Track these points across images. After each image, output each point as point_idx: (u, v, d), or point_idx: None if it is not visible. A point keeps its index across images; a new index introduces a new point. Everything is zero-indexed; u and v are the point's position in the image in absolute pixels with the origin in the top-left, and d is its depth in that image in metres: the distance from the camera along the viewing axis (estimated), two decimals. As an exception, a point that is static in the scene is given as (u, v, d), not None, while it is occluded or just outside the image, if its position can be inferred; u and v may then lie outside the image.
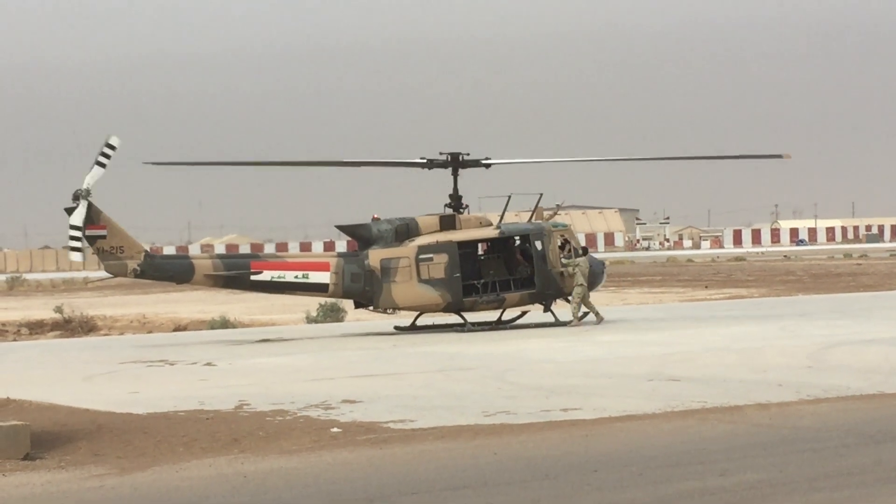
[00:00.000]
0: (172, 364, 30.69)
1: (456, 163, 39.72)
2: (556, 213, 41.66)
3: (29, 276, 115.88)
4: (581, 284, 38.64)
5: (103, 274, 38.63)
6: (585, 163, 48.84)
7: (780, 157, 41.81)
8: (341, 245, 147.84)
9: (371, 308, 39.12)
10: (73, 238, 36.17)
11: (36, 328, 53.59)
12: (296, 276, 37.94)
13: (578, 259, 39.03)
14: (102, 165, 36.02)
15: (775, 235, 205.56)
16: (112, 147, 36.12)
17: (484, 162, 40.10)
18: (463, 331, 38.30)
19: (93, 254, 37.90)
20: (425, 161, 39.80)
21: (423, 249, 38.28)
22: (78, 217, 35.99)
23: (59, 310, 54.61)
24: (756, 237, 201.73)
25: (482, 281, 39.02)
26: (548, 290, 39.26)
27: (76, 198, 35.99)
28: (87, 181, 36.00)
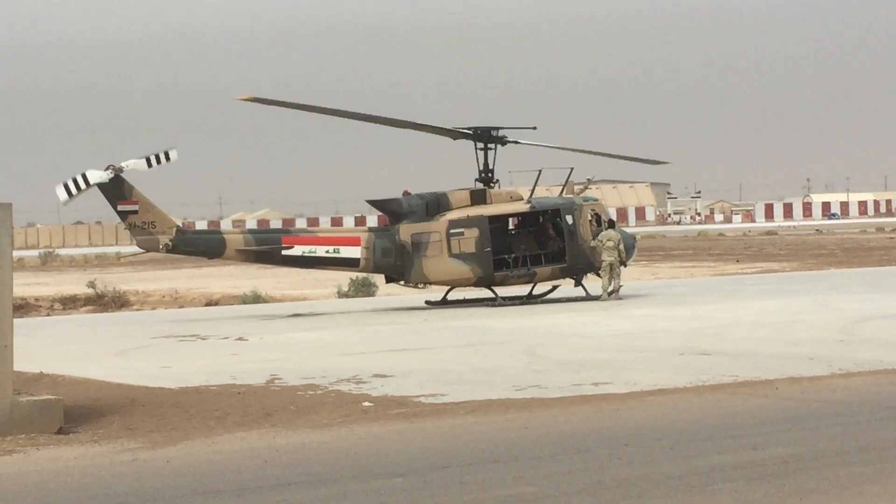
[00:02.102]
0: (204, 339, 30.79)
1: (488, 136, 39.58)
2: (586, 188, 41.59)
3: (62, 252, 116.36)
4: (610, 258, 38.63)
5: (135, 249, 38.77)
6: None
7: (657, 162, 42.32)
8: (372, 220, 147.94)
9: (402, 283, 39.17)
10: (74, 181, 35.99)
11: (69, 303, 53.80)
12: (327, 251, 37.98)
13: (608, 232, 38.95)
14: (149, 164, 36.18)
15: (807, 209, 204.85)
16: (168, 158, 36.27)
17: (508, 140, 39.62)
18: (494, 305, 38.31)
19: (125, 229, 38.02)
20: (460, 131, 39.31)
21: (454, 224, 38.25)
22: (95, 176, 35.97)
23: (91, 285, 54.79)
24: (788, 211, 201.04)
25: (513, 255, 38.99)
26: (578, 264, 39.22)
27: (108, 169, 36.08)
28: (128, 163, 36.10)
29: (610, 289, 38.71)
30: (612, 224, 39.78)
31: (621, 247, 38.77)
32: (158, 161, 36.20)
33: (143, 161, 36.15)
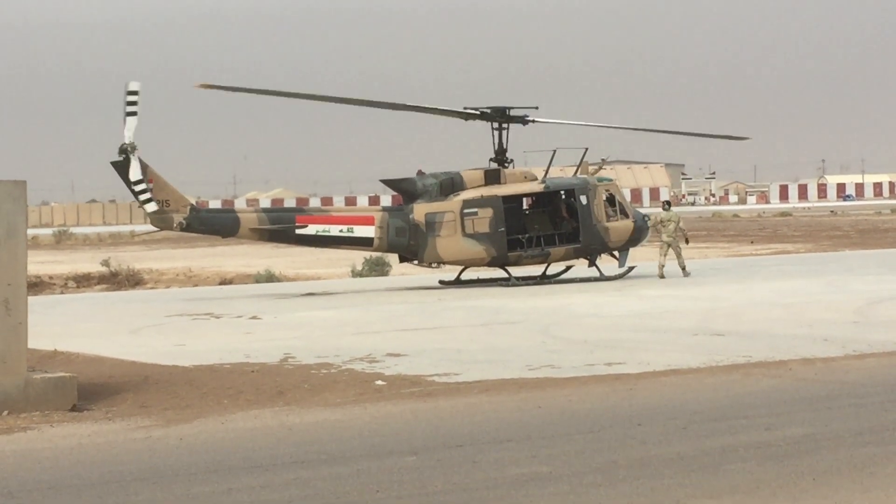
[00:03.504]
0: (218, 317, 30.83)
1: (501, 116, 39.52)
2: (601, 168, 41.54)
3: (76, 230, 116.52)
4: (669, 238, 39.65)
5: (149, 227, 38.79)
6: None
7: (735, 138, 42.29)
8: (386, 199, 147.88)
9: (416, 262, 39.16)
10: (140, 192, 36.13)
11: (83, 281, 53.91)
12: (340, 231, 37.98)
13: (670, 213, 40.25)
14: (134, 114, 35.90)
15: (822, 191, 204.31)
16: (135, 93, 35.91)
17: (525, 119, 39.69)
18: (507, 285, 38.30)
19: (139, 207, 38.03)
20: (474, 112, 39.39)
21: (468, 204, 38.23)
22: (135, 172, 35.95)
23: (105, 263, 54.91)
24: (802, 192, 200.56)
25: (527, 235, 38.97)
26: (592, 244, 39.20)
27: (122, 152, 35.99)
28: (127, 135, 35.93)
29: (680, 265, 39.79)
30: (668, 205, 41.21)
31: (681, 225, 40.00)
32: (134, 103, 35.74)
33: (130, 118, 35.68)
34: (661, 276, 39.12)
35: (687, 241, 40.83)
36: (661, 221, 39.96)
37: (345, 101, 41.06)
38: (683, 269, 39.72)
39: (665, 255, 39.92)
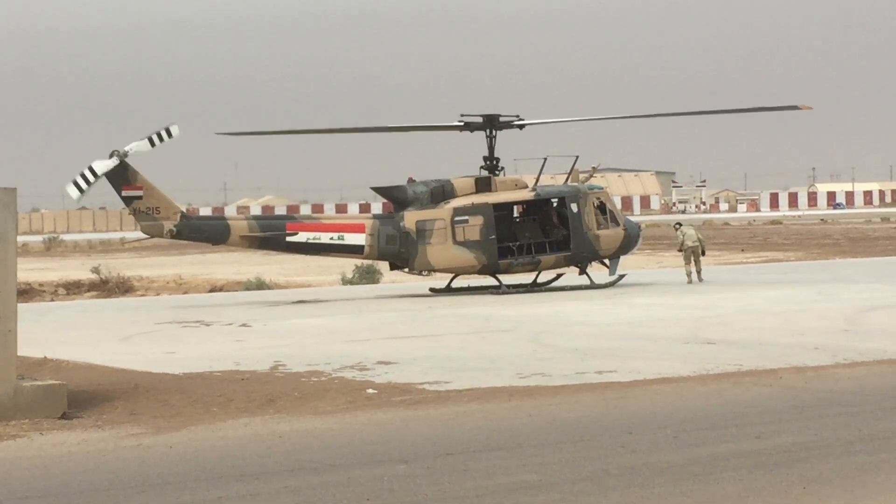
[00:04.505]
0: (208, 325, 30.79)
1: (492, 124, 39.59)
2: (591, 176, 41.55)
3: (66, 237, 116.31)
4: (690, 246, 40.64)
5: (140, 234, 38.75)
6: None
7: (796, 107, 41.97)
8: (377, 207, 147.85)
9: (406, 270, 39.14)
10: (83, 176, 35.76)
11: (73, 288, 53.85)
12: (331, 238, 37.96)
13: (683, 229, 41.23)
14: (152, 144, 35.98)
15: (812, 199, 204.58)
16: (170, 134, 36.06)
17: (517, 123, 39.97)
18: (498, 293, 38.29)
19: (129, 214, 37.97)
20: (462, 124, 39.76)
21: (458, 211, 38.23)
22: (101, 166, 35.76)
23: (95, 270, 54.85)
24: (793, 200, 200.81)
25: (518, 243, 38.98)
26: (583, 252, 39.20)
27: (112, 155, 35.96)
28: (131, 146, 35.92)
29: (693, 274, 40.63)
30: (679, 225, 42.53)
31: (699, 235, 41.34)
32: (161, 139, 36.02)
33: (146, 142, 35.98)
34: (690, 282, 40.17)
35: (703, 253, 41.55)
36: (684, 231, 40.99)
37: (357, 131, 42.31)
38: (699, 273, 40.74)
39: (691, 262, 40.70)
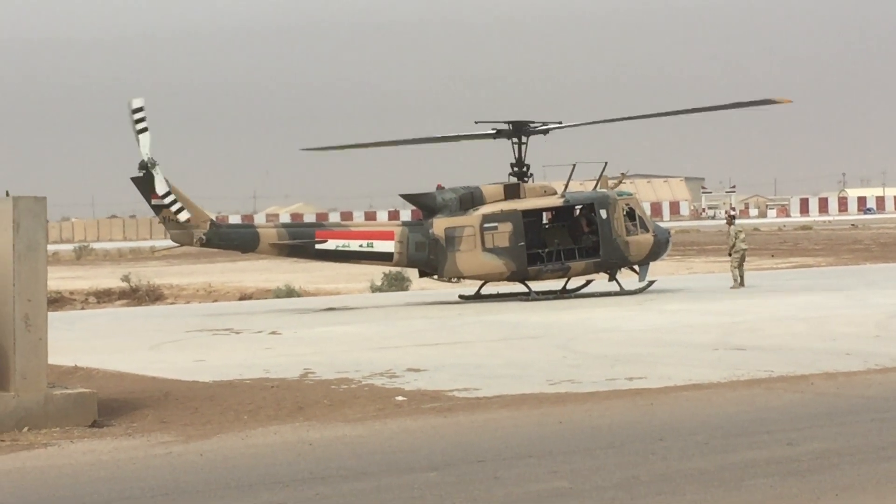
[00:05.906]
0: (238, 333, 30.84)
1: (520, 131, 39.61)
2: (620, 182, 41.51)
3: (96, 246, 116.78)
4: (743, 249, 40.76)
5: (169, 243, 38.83)
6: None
7: (773, 101, 41.24)
8: (406, 214, 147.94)
9: (436, 277, 39.14)
10: (171, 203, 35.88)
11: (103, 297, 54.01)
12: (360, 245, 37.98)
13: (734, 227, 41.45)
14: (145, 130, 35.79)
15: (842, 204, 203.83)
16: (140, 109, 35.77)
17: (544, 128, 39.96)
18: (527, 300, 38.24)
19: (159, 223, 38.04)
20: (494, 132, 39.85)
21: (487, 218, 38.21)
22: (161, 185, 35.84)
23: (126, 279, 55.01)
24: (823, 206, 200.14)
25: (547, 250, 38.94)
26: (613, 258, 39.14)
27: (143, 167, 35.93)
28: (144, 151, 35.83)
29: (740, 280, 40.64)
30: (733, 219, 43.03)
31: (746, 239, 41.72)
32: (143, 119, 35.63)
33: (142, 136, 35.56)
34: (742, 286, 40.24)
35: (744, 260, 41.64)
36: (737, 235, 40.98)
37: (405, 143, 43.63)
38: (743, 278, 40.69)
39: (737, 266, 40.62)
